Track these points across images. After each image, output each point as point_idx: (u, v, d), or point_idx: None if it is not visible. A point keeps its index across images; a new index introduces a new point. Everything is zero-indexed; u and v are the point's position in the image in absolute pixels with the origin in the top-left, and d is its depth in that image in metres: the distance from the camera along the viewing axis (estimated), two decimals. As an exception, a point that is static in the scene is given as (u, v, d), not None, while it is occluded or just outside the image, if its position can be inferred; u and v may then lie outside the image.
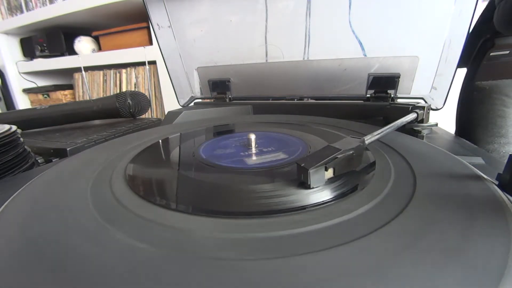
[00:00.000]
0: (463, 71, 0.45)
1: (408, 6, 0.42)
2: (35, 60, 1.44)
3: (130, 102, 0.51)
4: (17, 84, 1.52)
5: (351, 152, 0.19)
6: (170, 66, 0.60)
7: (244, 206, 0.17)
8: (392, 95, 0.46)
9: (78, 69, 1.25)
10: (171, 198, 0.19)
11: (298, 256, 0.12)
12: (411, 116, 0.32)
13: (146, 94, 0.57)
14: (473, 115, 0.43)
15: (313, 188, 0.17)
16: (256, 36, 0.54)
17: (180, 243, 0.13)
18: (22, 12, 1.38)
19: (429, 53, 0.43)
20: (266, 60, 0.55)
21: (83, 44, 1.31)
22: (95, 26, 1.27)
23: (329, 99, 0.52)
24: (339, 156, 0.18)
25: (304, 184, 0.18)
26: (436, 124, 0.37)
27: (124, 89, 1.22)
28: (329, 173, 0.18)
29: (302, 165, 0.18)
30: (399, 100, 0.47)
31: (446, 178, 0.19)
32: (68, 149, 0.35)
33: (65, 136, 0.42)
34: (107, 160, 0.25)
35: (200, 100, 0.64)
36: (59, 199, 0.18)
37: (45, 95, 1.49)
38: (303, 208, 0.16)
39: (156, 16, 0.56)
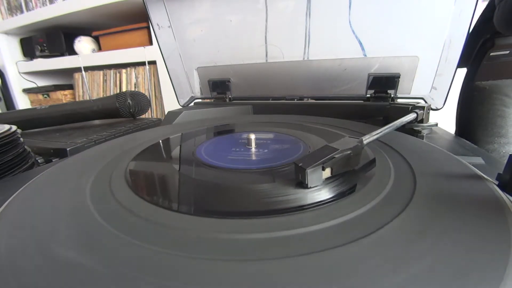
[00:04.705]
0: (463, 71, 0.45)
1: (408, 6, 0.42)
2: (35, 60, 1.44)
3: (130, 102, 0.51)
4: (17, 84, 1.52)
5: (348, 152, 0.19)
6: (170, 66, 0.60)
7: (241, 206, 0.17)
8: (392, 95, 0.46)
9: (78, 69, 1.25)
10: (171, 198, 0.19)
11: (296, 257, 0.12)
12: (411, 116, 0.32)
13: (146, 94, 0.57)
14: (473, 115, 0.43)
15: (310, 188, 0.17)
16: (256, 36, 0.54)
17: (179, 242, 0.13)
18: (22, 12, 1.38)
19: (429, 53, 0.43)
20: (266, 60, 0.55)
21: (83, 44, 1.31)
22: (95, 26, 1.27)
23: (329, 99, 0.52)
24: (336, 156, 0.18)
25: (302, 184, 0.18)
26: (436, 124, 0.37)
27: (124, 89, 1.22)
28: (327, 173, 0.18)
29: (300, 165, 0.18)
30: (399, 100, 0.47)
31: (446, 178, 0.19)
32: (68, 149, 0.35)
33: (65, 136, 0.42)
34: (107, 161, 0.25)
35: (200, 100, 0.64)
36: (59, 199, 0.18)
37: (45, 95, 1.49)
38: (301, 207, 0.16)
39: (156, 16, 0.56)
